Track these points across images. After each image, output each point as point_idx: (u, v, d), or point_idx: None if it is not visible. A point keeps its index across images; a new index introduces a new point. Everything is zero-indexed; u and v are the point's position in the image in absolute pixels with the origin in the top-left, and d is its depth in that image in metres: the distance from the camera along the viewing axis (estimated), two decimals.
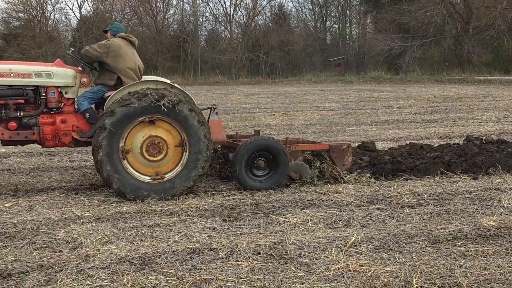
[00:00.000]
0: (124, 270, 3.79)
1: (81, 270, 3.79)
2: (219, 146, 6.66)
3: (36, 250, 4.25)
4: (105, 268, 3.84)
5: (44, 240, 4.45)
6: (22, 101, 5.93)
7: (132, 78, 6.11)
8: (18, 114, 5.94)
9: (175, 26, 40.01)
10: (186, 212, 5.28)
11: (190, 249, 4.20)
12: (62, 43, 36.69)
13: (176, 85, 6.10)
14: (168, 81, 6.18)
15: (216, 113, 6.37)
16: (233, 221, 5.01)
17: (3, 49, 34.90)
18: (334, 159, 6.38)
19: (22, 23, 36.72)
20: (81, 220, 5.03)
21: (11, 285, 3.56)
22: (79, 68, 6.24)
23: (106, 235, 4.57)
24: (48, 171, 7.48)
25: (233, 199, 5.78)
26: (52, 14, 38.40)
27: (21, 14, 36.91)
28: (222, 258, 4.01)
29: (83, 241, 4.43)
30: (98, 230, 4.72)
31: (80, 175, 7.19)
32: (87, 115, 5.98)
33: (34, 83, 5.97)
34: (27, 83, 5.94)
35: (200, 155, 5.74)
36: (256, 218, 5.08)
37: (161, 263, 3.92)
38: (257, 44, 38.64)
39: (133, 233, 4.64)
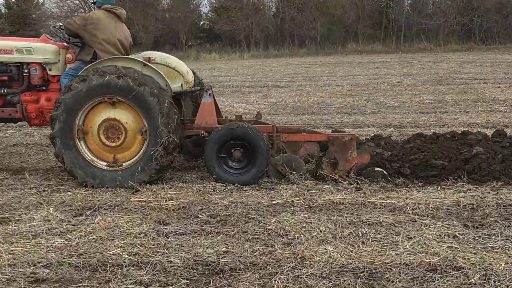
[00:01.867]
0: (349, 284, 3.10)
1: (298, 276, 3.23)
2: (202, 132, 5.60)
3: (247, 241, 3.84)
4: (325, 277, 3.20)
5: (255, 230, 4.03)
6: (6, 77, 5.77)
7: (109, 52, 5.53)
8: (2, 91, 5.78)
9: None
10: (413, 209, 4.38)
11: (429, 265, 3.31)
12: (266, 14, 37.86)
13: (150, 64, 5.41)
14: (141, 60, 5.46)
15: (210, 95, 5.55)
16: (477, 228, 3.95)
17: (214, 21, 37.55)
18: (334, 153, 5.28)
19: None
20: (292, 208, 4.52)
21: (224, 285, 3.17)
22: (65, 43, 5.88)
23: (321, 231, 3.95)
24: None
25: (471, 196, 4.66)
26: None
27: None
28: (476, 284, 3.05)
29: (296, 236, 3.89)
30: (311, 223, 4.13)
31: None
32: None
33: (16, 59, 5.74)
34: (9, 59, 5.74)
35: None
36: (509, 226, 3.93)
37: (393, 280, 3.13)
38: (470, 7, 34.43)
39: (352, 231, 3.94)
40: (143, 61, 5.41)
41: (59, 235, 4.05)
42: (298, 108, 10.62)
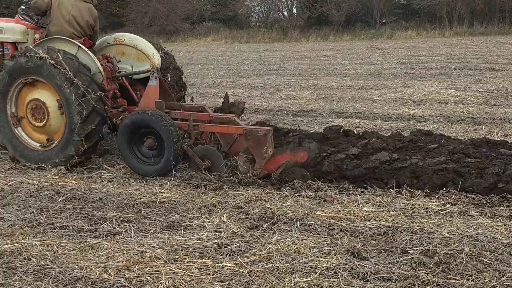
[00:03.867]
0: None
1: None
2: None
3: None
4: None
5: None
6: None
7: (62, 27, 5.57)
8: None
9: None
10: None
11: None
12: None
13: (85, 48, 5.42)
14: (78, 42, 5.45)
15: (156, 78, 5.35)
16: None
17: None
18: (250, 149, 4.83)
19: None
20: None
21: None
22: (33, 24, 5.95)
23: None
24: None
25: None
26: None
27: None
28: None
29: None
30: None
31: None
32: None
33: None
34: None
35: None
36: None
37: None
38: None
39: None
40: (77, 43, 5.43)
41: (229, 255, 3.28)
42: None
